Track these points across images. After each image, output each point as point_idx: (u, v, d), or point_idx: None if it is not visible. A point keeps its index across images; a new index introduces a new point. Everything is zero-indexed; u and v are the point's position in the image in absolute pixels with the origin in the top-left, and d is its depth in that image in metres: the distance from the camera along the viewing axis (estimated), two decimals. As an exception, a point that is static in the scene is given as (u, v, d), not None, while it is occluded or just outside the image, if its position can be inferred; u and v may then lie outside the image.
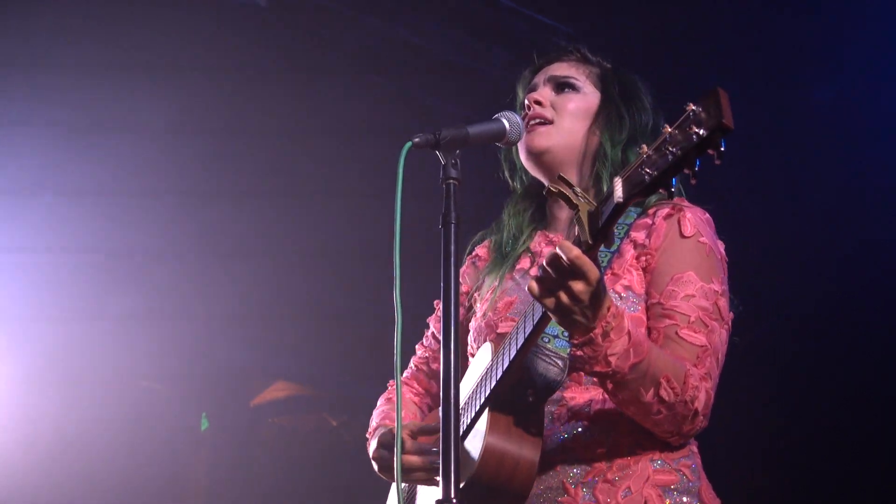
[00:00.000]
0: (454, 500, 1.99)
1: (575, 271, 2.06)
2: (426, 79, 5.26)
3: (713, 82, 1.88)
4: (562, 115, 2.70)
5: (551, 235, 2.73)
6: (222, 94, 5.13)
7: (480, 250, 2.93)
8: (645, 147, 1.94)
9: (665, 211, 2.52)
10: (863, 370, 4.95)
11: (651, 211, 2.55)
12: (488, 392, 2.36)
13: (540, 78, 2.80)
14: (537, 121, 2.70)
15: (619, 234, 2.49)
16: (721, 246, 2.54)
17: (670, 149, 1.88)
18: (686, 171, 1.88)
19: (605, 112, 2.71)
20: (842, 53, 4.72)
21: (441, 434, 2.04)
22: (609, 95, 2.74)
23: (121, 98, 5.04)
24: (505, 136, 2.46)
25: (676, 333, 2.36)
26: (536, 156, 2.69)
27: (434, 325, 2.97)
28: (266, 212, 5.65)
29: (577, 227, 2.08)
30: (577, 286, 2.08)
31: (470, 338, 2.75)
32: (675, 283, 2.42)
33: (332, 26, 5.04)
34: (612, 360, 2.17)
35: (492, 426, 2.33)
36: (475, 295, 2.83)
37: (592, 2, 4.91)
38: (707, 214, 2.56)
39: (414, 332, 2.95)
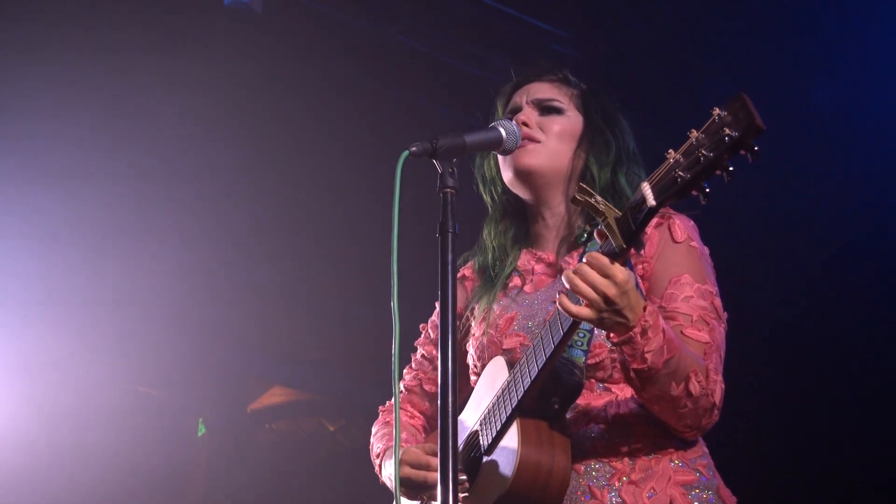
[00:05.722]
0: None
1: (608, 277, 2.17)
2: (424, 84, 5.25)
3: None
4: (549, 137, 2.73)
5: (539, 253, 2.76)
6: (220, 99, 5.12)
7: (466, 271, 2.94)
8: (672, 151, 2.02)
9: (654, 220, 2.54)
10: (861, 372, 4.95)
11: None
12: (515, 403, 2.41)
13: (521, 97, 2.81)
14: (525, 141, 2.70)
15: None
16: (706, 251, 2.62)
17: (701, 151, 1.94)
18: (718, 172, 1.95)
19: (589, 135, 2.75)
20: (840, 56, 4.72)
21: (440, 440, 2.07)
22: (591, 119, 2.77)
23: (120, 99, 5.03)
24: (501, 144, 2.50)
25: (682, 332, 2.43)
26: (524, 174, 2.71)
27: (424, 348, 2.97)
28: (264, 217, 5.65)
29: (605, 233, 2.17)
30: (611, 291, 2.17)
31: (471, 357, 2.76)
32: (674, 286, 2.50)
33: (330, 31, 5.03)
34: (649, 356, 2.25)
35: (524, 438, 2.37)
36: (468, 315, 2.84)
37: (591, 8, 4.92)
38: (692, 221, 2.64)
39: (412, 340, 2.95)
